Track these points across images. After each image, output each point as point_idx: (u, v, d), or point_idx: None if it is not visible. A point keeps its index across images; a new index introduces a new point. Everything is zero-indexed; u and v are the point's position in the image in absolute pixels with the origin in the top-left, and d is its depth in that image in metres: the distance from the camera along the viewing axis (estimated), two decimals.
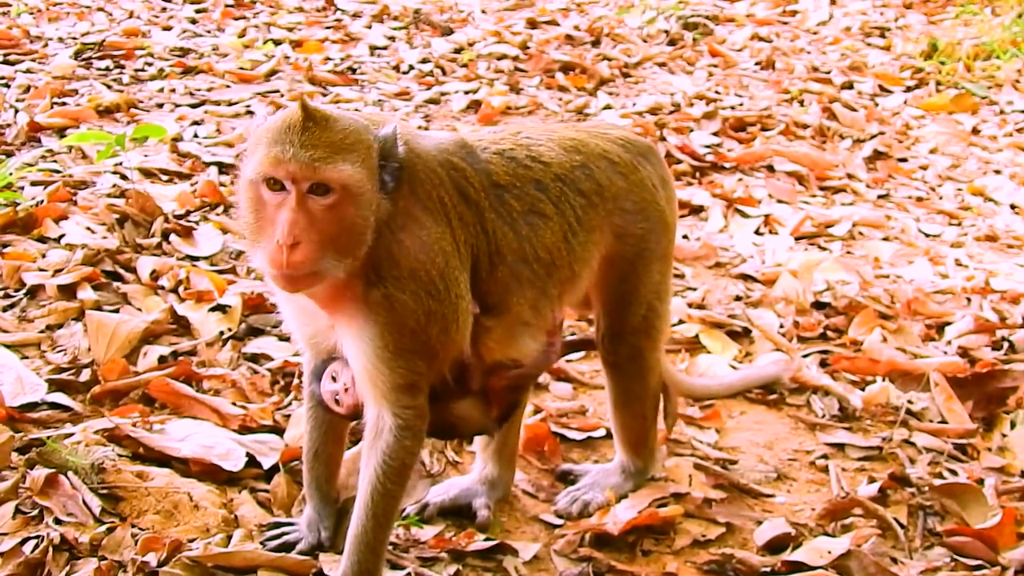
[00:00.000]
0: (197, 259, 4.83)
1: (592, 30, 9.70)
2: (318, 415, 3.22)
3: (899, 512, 3.74)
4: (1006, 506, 3.71)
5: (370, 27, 9.28)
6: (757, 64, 9.36)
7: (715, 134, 7.48)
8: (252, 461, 3.54)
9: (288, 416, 3.81)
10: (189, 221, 5.11)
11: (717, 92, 8.45)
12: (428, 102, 7.62)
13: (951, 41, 9.97)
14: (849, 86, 8.94)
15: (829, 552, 3.43)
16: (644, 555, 3.44)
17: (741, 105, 8.10)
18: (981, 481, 3.90)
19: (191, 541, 3.13)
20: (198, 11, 9.12)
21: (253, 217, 2.71)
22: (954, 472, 4.01)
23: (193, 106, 6.89)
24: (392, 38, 9.06)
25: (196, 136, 6.30)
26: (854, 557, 3.40)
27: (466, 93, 7.80)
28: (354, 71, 8.08)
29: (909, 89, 9.10)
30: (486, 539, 3.39)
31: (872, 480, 3.90)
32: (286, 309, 3.05)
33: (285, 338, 4.31)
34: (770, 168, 6.99)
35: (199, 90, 7.21)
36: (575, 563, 3.37)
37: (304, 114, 2.66)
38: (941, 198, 6.92)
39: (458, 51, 8.82)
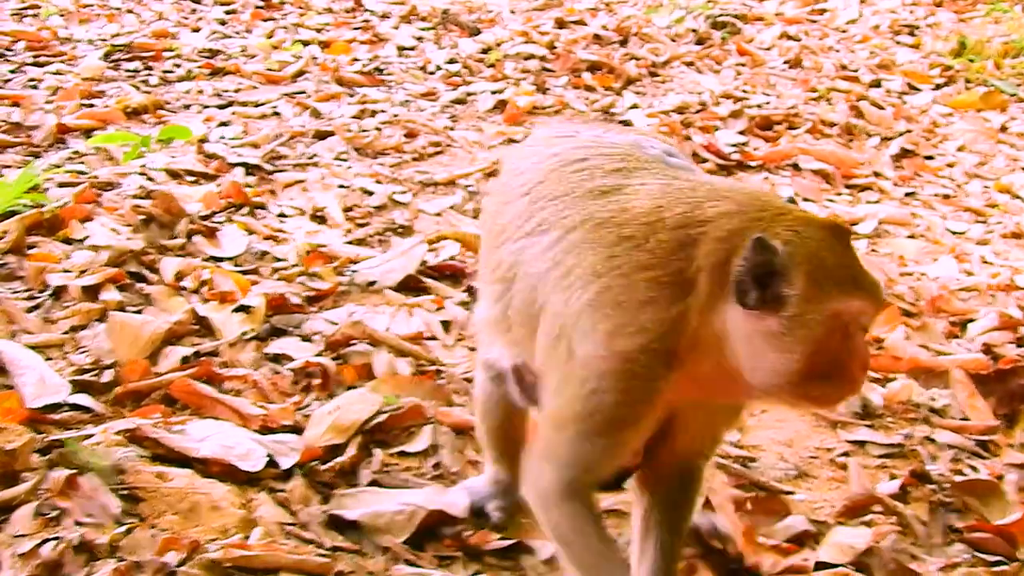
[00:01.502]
0: (221, 260, 4.86)
1: (620, 30, 9.68)
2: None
3: (920, 509, 3.73)
4: None
5: (398, 28, 9.31)
6: (785, 63, 9.31)
7: (742, 133, 7.46)
8: (272, 461, 3.56)
9: (308, 416, 3.83)
10: (214, 222, 5.15)
11: (744, 91, 8.41)
12: (455, 102, 7.63)
13: (981, 39, 9.90)
14: (877, 84, 8.88)
15: (850, 548, 3.43)
16: None
17: (768, 104, 8.06)
18: (1002, 478, 3.89)
19: (210, 542, 3.15)
20: (227, 12, 9.18)
21: (823, 355, 2.48)
22: (975, 469, 4.00)
23: (221, 107, 6.94)
24: (420, 38, 9.09)
25: (223, 137, 6.35)
26: (874, 554, 3.41)
27: (493, 93, 7.81)
28: (381, 72, 8.10)
29: (938, 87, 9.04)
30: (503, 538, 3.40)
31: (893, 477, 3.90)
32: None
33: (307, 338, 4.34)
34: (796, 167, 6.95)
35: (227, 91, 7.26)
36: None
37: (851, 241, 2.60)
38: (968, 196, 6.87)
39: (485, 51, 8.83)
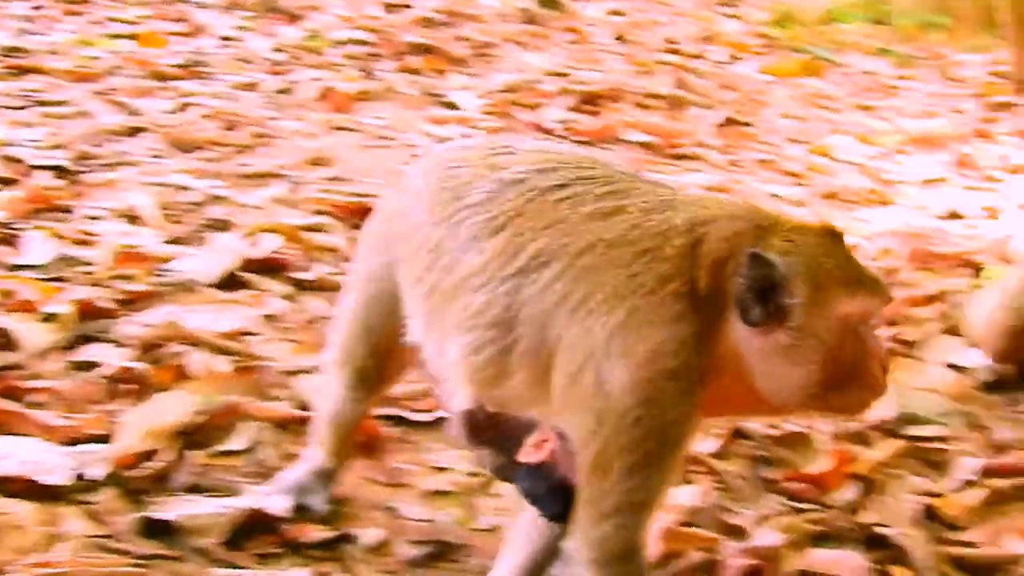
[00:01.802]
0: (25, 268, 4.63)
1: (448, 11, 9.62)
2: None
3: (739, 465, 3.82)
4: (837, 449, 3.89)
5: (217, 17, 9.06)
6: (613, 39, 9.42)
7: (569, 109, 7.49)
8: (80, 474, 3.40)
9: (119, 423, 3.67)
10: (15, 229, 4.90)
11: (572, 68, 8.47)
12: (278, 92, 7.48)
13: (800, 8, 10.17)
14: (702, 56, 9.05)
15: (677, 508, 3.47)
16: (488, 531, 3.42)
17: (594, 79, 8.12)
18: (814, 428, 4.02)
19: (11, 563, 2.98)
20: (32, 8, 8.77)
21: (839, 361, 2.44)
22: (791, 422, 4.09)
23: (25, 108, 6.62)
24: (241, 28, 8.86)
25: (27, 140, 6.05)
26: (695, 512, 3.49)
27: (317, 81, 7.67)
28: (199, 64, 7.87)
29: (760, 56, 9.25)
30: (326, 530, 3.33)
31: (713, 436, 3.94)
32: None
33: (120, 344, 4.17)
34: (622, 140, 7.01)
35: (32, 91, 6.92)
36: (419, 546, 3.32)
37: (845, 242, 2.54)
38: (787, 160, 7.04)
39: (310, 38, 8.67)
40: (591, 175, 2.68)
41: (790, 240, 2.43)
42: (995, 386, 4.55)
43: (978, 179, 7.27)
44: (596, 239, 2.50)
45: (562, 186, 2.64)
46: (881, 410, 4.24)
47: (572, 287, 2.50)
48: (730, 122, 7.52)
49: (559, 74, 8.17)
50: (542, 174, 2.68)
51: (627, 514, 2.54)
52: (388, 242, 2.97)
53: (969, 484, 3.88)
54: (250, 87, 7.49)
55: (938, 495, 3.81)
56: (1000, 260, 5.70)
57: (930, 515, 3.70)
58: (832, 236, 2.51)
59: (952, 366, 4.64)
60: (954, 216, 6.62)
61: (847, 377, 2.44)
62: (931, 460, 4.06)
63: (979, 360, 4.64)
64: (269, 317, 4.52)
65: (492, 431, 2.88)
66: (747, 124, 7.61)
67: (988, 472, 3.92)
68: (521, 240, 2.58)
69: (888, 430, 4.17)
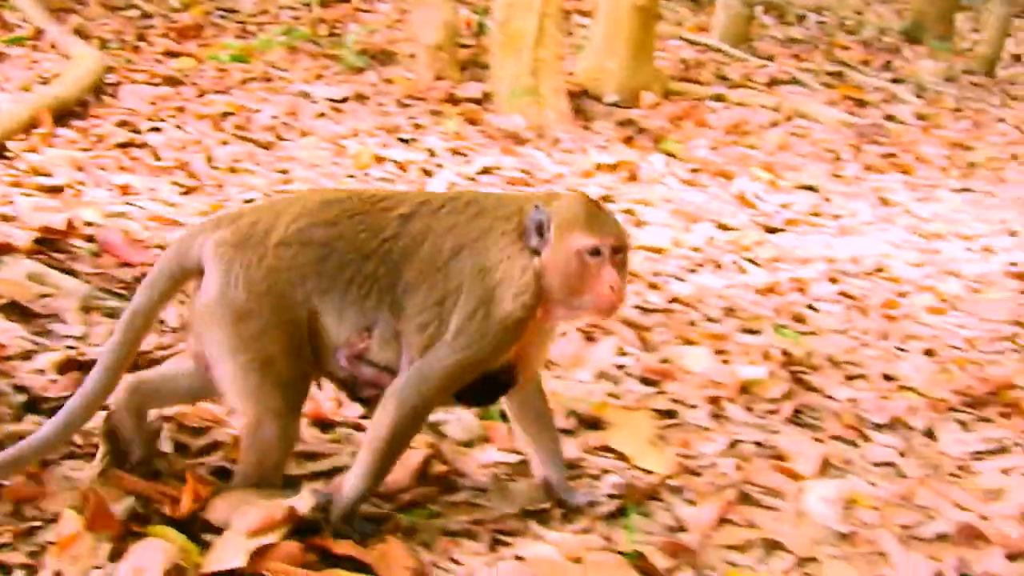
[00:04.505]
0: None
1: None
2: None
3: None
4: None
5: None
6: None
7: None
8: None
9: None
10: None
11: None
12: None
13: None
14: None
15: None
16: None
17: None
18: None
19: None
20: None
21: (575, 279, 3.42)
22: None
23: None
24: None
25: None
26: None
27: None
28: None
29: None
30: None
31: None
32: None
33: None
34: None
35: None
36: None
37: (595, 202, 3.56)
38: None
39: None
40: (446, 197, 3.64)
41: (558, 201, 3.50)
42: None
43: None
44: (488, 226, 3.51)
45: (441, 206, 3.57)
46: None
47: (477, 259, 3.47)
48: None
49: None
50: (425, 204, 3.57)
51: (445, 381, 3.43)
52: (298, 282, 3.43)
53: None
54: None
55: None
56: None
57: None
58: (585, 199, 3.54)
59: None
60: None
61: (583, 289, 3.42)
62: None
63: None
64: None
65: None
66: None
67: None
68: (441, 243, 3.51)
69: None
